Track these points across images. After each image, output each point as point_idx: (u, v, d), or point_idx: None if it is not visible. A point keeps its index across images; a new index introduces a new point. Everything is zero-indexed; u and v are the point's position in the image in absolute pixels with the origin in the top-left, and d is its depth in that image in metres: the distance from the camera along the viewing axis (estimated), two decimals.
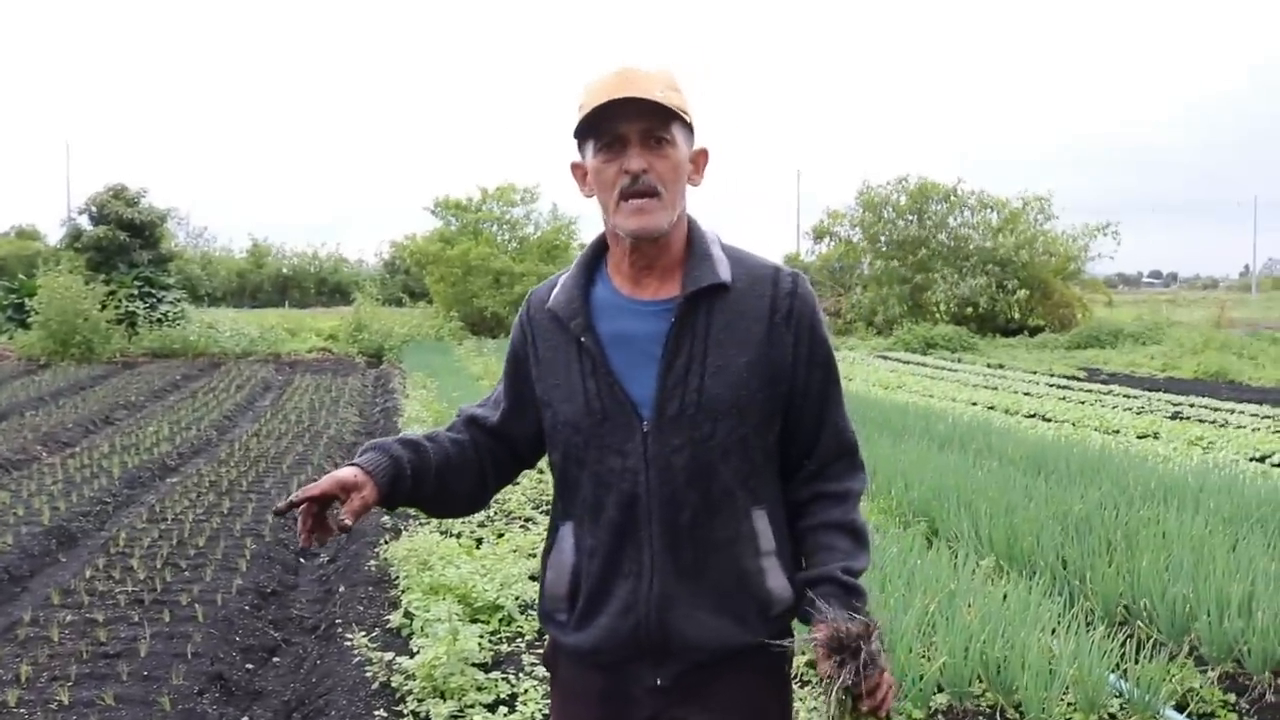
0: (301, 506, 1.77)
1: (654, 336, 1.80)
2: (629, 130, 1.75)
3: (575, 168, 1.88)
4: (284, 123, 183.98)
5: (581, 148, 1.84)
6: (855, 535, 1.87)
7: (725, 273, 1.81)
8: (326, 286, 48.42)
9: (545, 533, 2.01)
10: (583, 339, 1.82)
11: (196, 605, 5.19)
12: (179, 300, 24.94)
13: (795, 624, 1.91)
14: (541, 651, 4.59)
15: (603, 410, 1.80)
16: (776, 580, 1.84)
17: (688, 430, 1.77)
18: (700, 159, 1.87)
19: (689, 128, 1.81)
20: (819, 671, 1.71)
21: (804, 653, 1.76)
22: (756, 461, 1.83)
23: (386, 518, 6.98)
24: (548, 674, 2.05)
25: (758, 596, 1.83)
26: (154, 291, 23.92)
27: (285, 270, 49.04)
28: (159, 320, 23.07)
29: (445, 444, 1.94)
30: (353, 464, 1.84)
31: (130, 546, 6.37)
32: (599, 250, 1.92)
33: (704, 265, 1.81)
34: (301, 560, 6.61)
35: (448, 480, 1.93)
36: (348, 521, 1.77)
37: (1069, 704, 3.76)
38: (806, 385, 1.85)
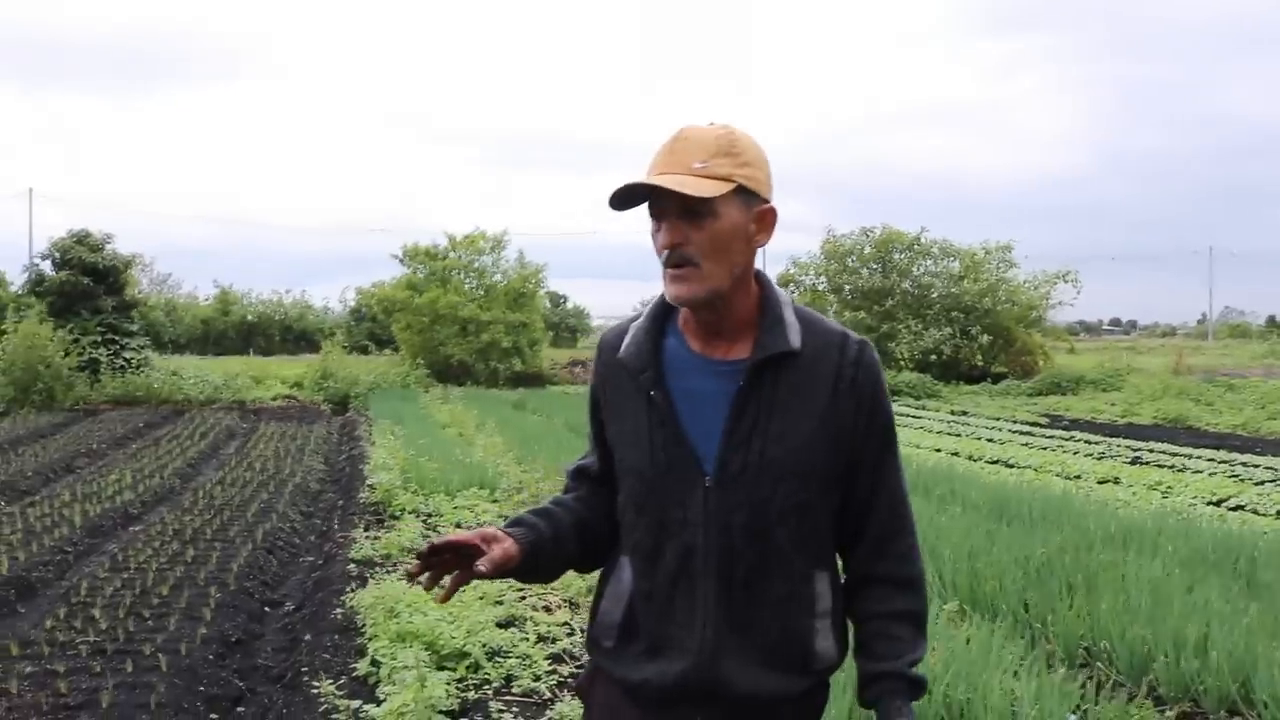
0: (444, 555, 1.77)
1: (722, 395, 1.83)
2: (666, 203, 1.78)
3: None
4: (249, 169, 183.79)
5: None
6: (918, 624, 1.90)
7: (796, 339, 1.83)
8: (292, 334, 48.08)
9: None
10: (653, 393, 1.85)
11: (160, 655, 5.14)
12: (143, 347, 24.71)
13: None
14: (515, 686, 4.60)
15: (667, 462, 1.83)
16: (825, 641, 1.86)
17: (748, 490, 1.80)
18: (767, 217, 1.84)
19: (745, 191, 1.79)
20: None
21: None
22: (819, 525, 1.86)
23: (352, 565, 6.96)
24: (581, 703, 2.06)
25: (804, 652, 1.85)
26: (117, 338, 23.68)
27: (250, 317, 48.68)
28: (122, 367, 22.85)
29: (569, 503, 1.99)
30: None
31: (92, 596, 6.30)
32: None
33: (776, 330, 1.83)
34: (267, 609, 6.56)
35: (586, 534, 1.96)
36: (483, 568, 1.75)
37: None
38: (864, 452, 1.87)
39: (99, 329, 23.46)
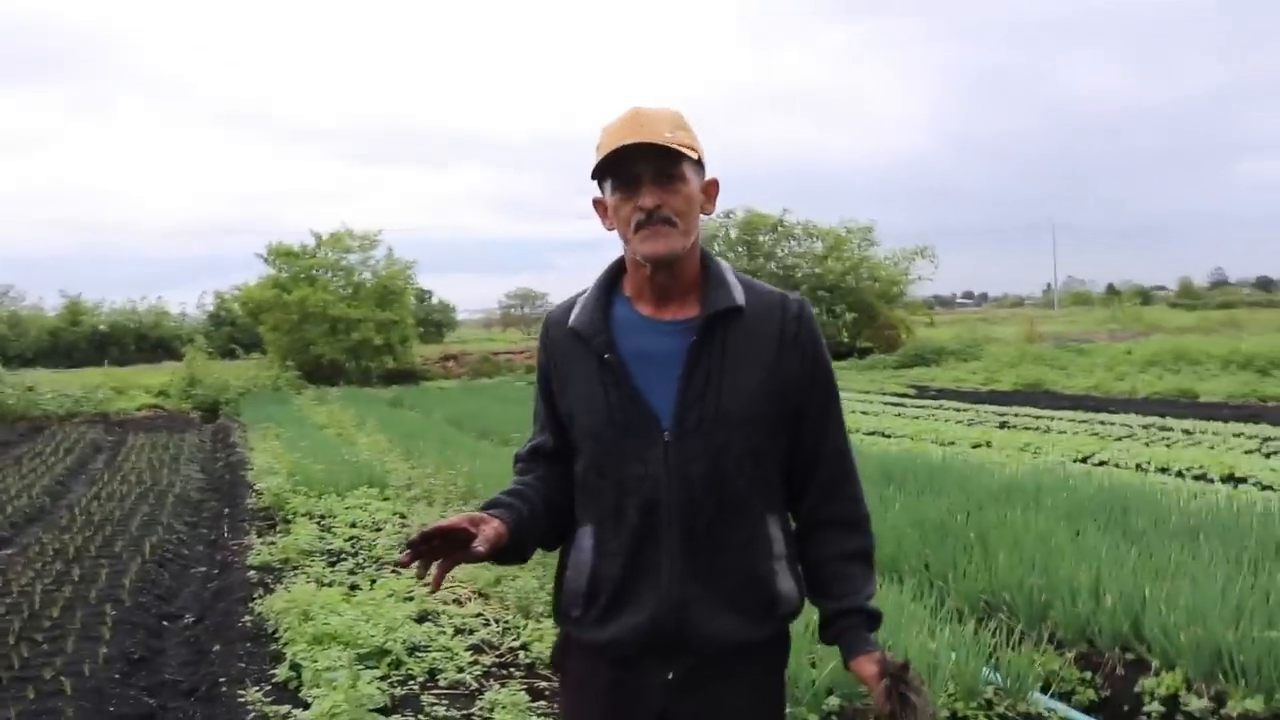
0: (432, 543, 1.79)
1: (674, 353, 1.92)
2: (642, 170, 1.88)
3: (597, 204, 1.99)
4: (93, 174, 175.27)
5: (601, 185, 1.96)
6: (869, 562, 2.03)
7: (740, 297, 1.95)
8: (148, 342, 46.05)
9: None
10: (606, 355, 1.93)
11: (63, 678, 4.93)
12: None
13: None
14: (465, 667, 4.59)
15: (625, 422, 1.91)
16: (785, 583, 1.97)
17: (705, 441, 1.89)
18: (711, 189, 2.00)
19: (699, 162, 1.93)
20: (876, 704, 1.86)
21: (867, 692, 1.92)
22: (769, 472, 1.97)
23: (252, 572, 6.81)
24: (557, 674, 2.12)
25: (768, 596, 1.95)
26: None
27: (102, 327, 46.40)
28: None
29: (531, 483, 2.03)
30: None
31: None
32: (616, 273, 2.04)
33: (721, 290, 1.95)
34: (166, 623, 6.35)
35: (553, 510, 2.02)
36: (481, 549, 1.78)
37: (950, 695, 4.02)
38: (809, 403, 1.99)
39: None
